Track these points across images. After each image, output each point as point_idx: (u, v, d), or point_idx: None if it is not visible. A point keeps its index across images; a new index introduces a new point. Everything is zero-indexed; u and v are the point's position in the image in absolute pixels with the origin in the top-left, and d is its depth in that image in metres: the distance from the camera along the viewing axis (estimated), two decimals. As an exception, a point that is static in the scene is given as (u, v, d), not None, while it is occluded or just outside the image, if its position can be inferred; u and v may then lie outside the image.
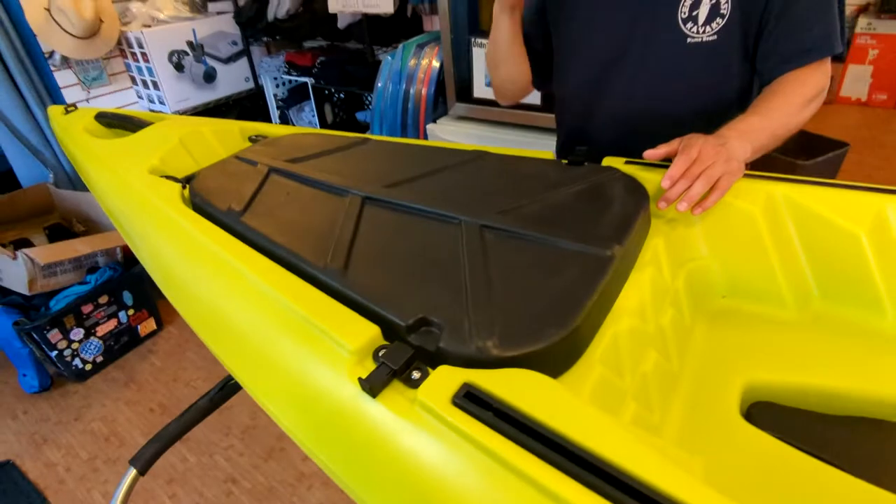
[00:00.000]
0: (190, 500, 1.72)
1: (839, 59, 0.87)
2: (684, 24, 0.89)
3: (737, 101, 0.95)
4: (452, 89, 1.96)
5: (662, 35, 0.90)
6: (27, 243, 2.43)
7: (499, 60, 1.08)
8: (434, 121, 2.08)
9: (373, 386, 0.51)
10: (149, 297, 2.42)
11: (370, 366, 0.53)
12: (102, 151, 1.05)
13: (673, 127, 0.84)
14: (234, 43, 2.97)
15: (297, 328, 0.59)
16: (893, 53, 3.86)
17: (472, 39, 1.81)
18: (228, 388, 0.93)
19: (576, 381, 0.54)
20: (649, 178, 0.83)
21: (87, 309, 2.20)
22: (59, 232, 2.55)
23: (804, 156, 2.71)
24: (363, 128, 2.67)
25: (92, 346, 2.24)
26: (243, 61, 3.04)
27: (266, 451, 1.86)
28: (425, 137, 2.07)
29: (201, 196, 0.85)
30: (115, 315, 2.31)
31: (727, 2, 0.86)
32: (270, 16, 2.74)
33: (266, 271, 0.66)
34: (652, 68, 0.93)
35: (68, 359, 2.17)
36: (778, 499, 0.53)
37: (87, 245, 2.24)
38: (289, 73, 2.93)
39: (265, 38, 2.99)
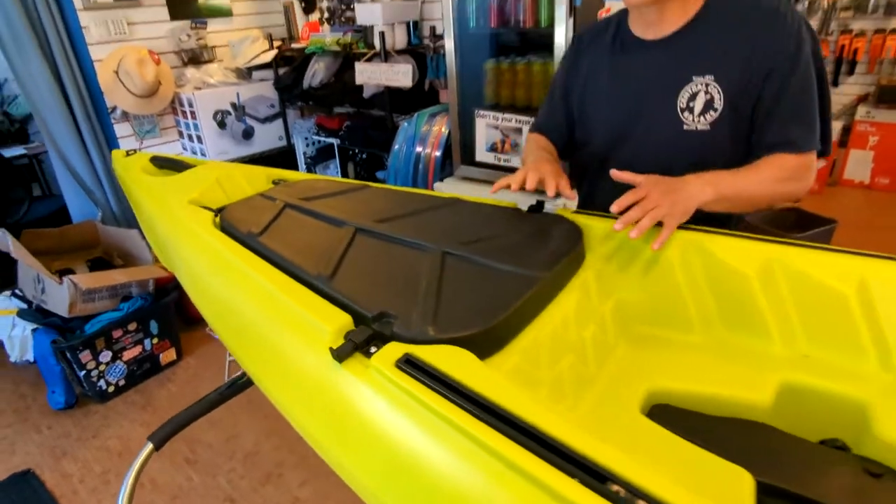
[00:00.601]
0: (191, 514, 1.84)
1: (822, 155, 1.03)
2: (682, 113, 1.03)
3: None
4: (458, 153, 2.21)
5: (663, 120, 1.04)
6: (71, 272, 2.68)
7: None
8: (441, 180, 2.32)
9: (339, 354, 0.68)
10: (173, 328, 2.63)
11: (341, 343, 0.71)
12: (154, 186, 1.29)
13: None
14: (272, 106, 3.32)
15: (291, 316, 0.78)
16: (892, 140, 4.06)
17: (476, 111, 2.07)
18: (237, 385, 1.10)
19: (497, 363, 0.71)
20: (594, 225, 1.01)
21: (117, 334, 2.41)
22: (100, 264, 2.82)
23: (797, 230, 2.87)
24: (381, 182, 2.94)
25: (117, 370, 2.43)
26: (279, 122, 3.39)
27: (265, 475, 1.99)
28: (432, 194, 2.30)
29: (229, 222, 1.06)
30: (140, 342, 2.51)
31: (720, 99, 0.99)
32: (305, 84, 3.09)
33: (272, 276, 0.85)
34: (652, 147, 1.07)
35: (94, 379, 2.36)
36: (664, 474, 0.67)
37: (123, 275, 2.48)
38: (318, 134, 3.25)
39: (300, 103, 3.34)
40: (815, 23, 4.24)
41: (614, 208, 0.91)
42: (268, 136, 3.37)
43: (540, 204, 1.09)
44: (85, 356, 2.31)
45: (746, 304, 0.88)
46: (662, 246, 0.90)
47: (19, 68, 2.59)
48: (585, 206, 1.23)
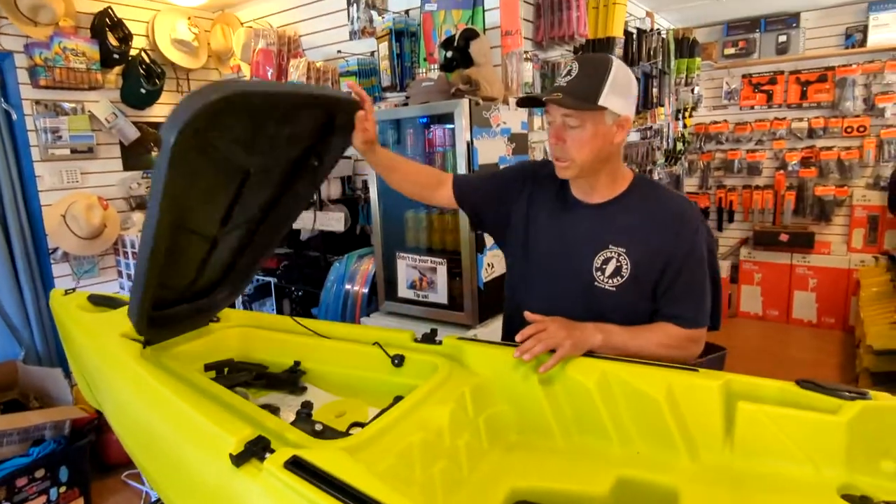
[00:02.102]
0: None
1: (712, 329, 1.25)
2: (595, 272, 1.20)
3: None
4: (383, 290, 2.43)
5: (581, 272, 1.21)
6: (-20, 416, 2.57)
7: (385, 173, 1.40)
8: (368, 315, 2.51)
9: (237, 460, 0.81)
10: (85, 475, 2.50)
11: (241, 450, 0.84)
12: (89, 322, 1.41)
13: None
14: (214, 247, 3.51)
15: (201, 430, 0.90)
16: (773, 277, 4.64)
17: (397, 253, 2.34)
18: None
19: (373, 463, 0.85)
20: (474, 350, 1.21)
21: (21, 482, 2.28)
22: (14, 407, 2.71)
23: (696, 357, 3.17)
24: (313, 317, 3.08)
25: (14, 523, 2.26)
26: (219, 262, 3.56)
27: None
28: (359, 328, 2.47)
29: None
30: (46, 491, 2.37)
31: (627, 269, 1.18)
32: (248, 228, 3.33)
33: (184, 395, 0.98)
34: (570, 291, 1.23)
35: (-13, 534, 2.18)
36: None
37: (39, 416, 2.41)
38: (256, 274, 3.43)
39: (241, 245, 3.56)
40: (694, 180, 5.02)
41: (518, 338, 1.10)
42: (207, 275, 3.51)
43: (433, 332, 1.29)
44: (-20, 508, 2.15)
45: (592, 411, 1.07)
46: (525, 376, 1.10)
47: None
48: (509, 321, 1.42)
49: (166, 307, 1.28)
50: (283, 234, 1.37)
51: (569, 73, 1.15)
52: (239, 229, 1.26)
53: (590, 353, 1.13)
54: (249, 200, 1.19)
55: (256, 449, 0.83)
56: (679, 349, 1.19)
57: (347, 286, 2.64)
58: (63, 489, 2.42)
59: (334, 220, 2.76)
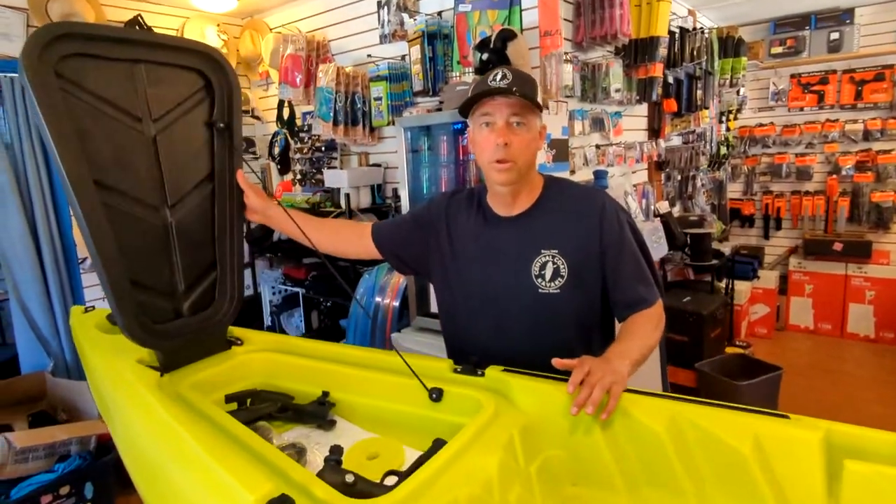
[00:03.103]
0: None
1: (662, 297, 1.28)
2: (536, 279, 1.21)
3: (585, 335, 1.26)
4: (414, 304, 2.31)
5: (522, 284, 1.22)
6: (8, 429, 2.54)
7: (296, 235, 1.38)
8: (398, 330, 2.40)
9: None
10: (110, 491, 2.44)
11: (261, 513, 0.72)
12: (104, 343, 1.32)
13: (544, 355, 1.07)
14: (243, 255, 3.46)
15: (215, 479, 0.79)
16: (826, 288, 4.37)
17: (431, 266, 2.23)
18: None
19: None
20: (518, 383, 1.07)
21: (46, 500, 2.22)
22: (42, 419, 2.68)
23: (744, 376, 2.97)
24: (342, 333, 2.99)
25: (38, 541, 2.21)
26: (247, 272, 3.51)
27: None
28: (390, 345, 2.36)
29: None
30: (71, 508, 2.31)
31: (565, 268, 1.20)
32: (276, 237, 3.26)
33: (202, 439, 0.87)
34: (516, 307, 1.23)
35: (11, 553, 2.13)
36: None
37: (64, 432, 2.37)
38: (284, 284, 3.36)
39: (268, 254, 3.50)
40: (738, 186, 4.78)
41: (570, 389, 0.98)
42: (235, 285, 3.46)
43: (474, 362, 1.16)
44: (5, 526, 2.11)
45: (662, 461, 0.92)
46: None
47: (-5, 222, 2.71)
48: (458, 342, 1.38)
49: (167, 321, 1.22)
50: (242, 224, 1.39)
51: (504, 76, 1.15)
52: (190, 212, 1.27)
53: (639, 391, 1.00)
54: (177, 174, 1.24)
55: (278, 514, 0.71)
56: (659, 327, 1.22)
57: (377, 299, 2.53)
58: (89, 506, 2.37)
59: (364, 231, 2.66)
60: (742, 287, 4.04)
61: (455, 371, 1.16)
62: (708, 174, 3.99)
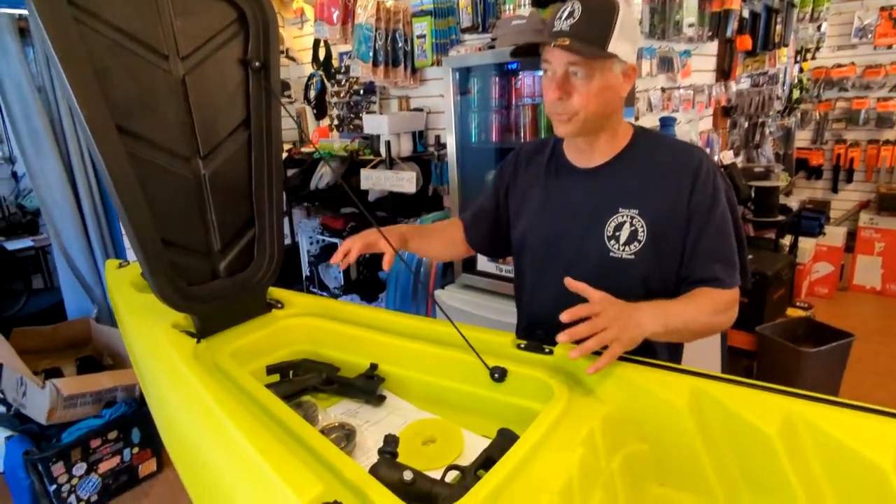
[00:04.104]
0: None
1: (743, 289, 1.09)
2: (608, 241, 1.07)
3: None
4: (459, 261, 2.18)
5: (591, 245, 1.08)
6: (58, 372, 2.59)
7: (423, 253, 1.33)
8: (442, 287, 2.28)
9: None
10: (156, 437, 2.48)
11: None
12: (138, 303, 1.24)
13: None
14: (279, 206, 3.37)
15: (258, 475, 0.69)
16: (897, 247, 4.02)
17: (478, 221, 2.07)
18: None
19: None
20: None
21: (95, 443, 2.27)
22: (90, 364, 2.72)
23: (811, 343, 2.76)
24: (382, 286, 2.89)
25: (90, 484, 2.26)
26: (284, 221, 3.43)
27: None
28: (433, 303, 2.25)
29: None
30: (119, 452, 2.36)
31: (644, 232, 1.05)
32: (313, 185, 3.15)
33: (244, 425, 0.77)
34: (581, 269, 1.07)
35: (65, 495, 2.19)
36: None
37: (110, 379, 2.38)
38: (322, 234, 3.27)
39: (306, 204, 3.40)
40: (807, 134, 4.39)
41: (565, 317, 0.88)
42: (272, 235, 3.39)
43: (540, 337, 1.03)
44: (57, 469, 2.15)
45: (769, 465, 0.78)
46: (597, 371, 0.88)
47: (33, 164, 2.66)
48: (526, 314, 1.26)
49: (202, 283, 1.12)
50: (281, 177, 1.27)
51: (570, 14, 0.99)
52: (224, 163, 1.14)
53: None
54: (209, 120, 1.11)
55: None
56: (724, 314, 1.05)
57: (419, 254, 2.40)
58: (136, 450, 2.42)
59: (405, 180, 2.51)
60: (806, 245, 3.75)
61: (519, 347, 1.03)
62: (777, 121, 3.64)
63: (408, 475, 0.74)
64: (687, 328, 1.00)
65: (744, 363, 2.97)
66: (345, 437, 0.92)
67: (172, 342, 1.04)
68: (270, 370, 1.07)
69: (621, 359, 0.94)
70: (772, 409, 0.80)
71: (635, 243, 1.06)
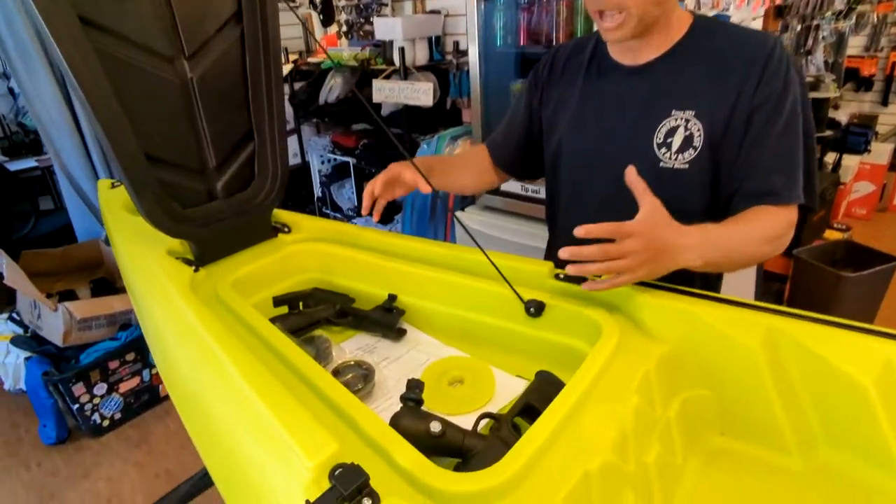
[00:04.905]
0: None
1: (809, 211, 0.91)
2: (658, 149, 0.92)
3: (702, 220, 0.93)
4: (481, 180, 2.02)
5: (637, 155, 0.92)
6: (72, 295, 2.56)
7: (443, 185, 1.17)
8: (462, 209, 2.14)
9: (318, 511, 0.49)
10: (174, 357, 2.48)
11: (325, 484, 0.52)
12: (131, 227, 1.12)
13: None
14: (287, 122, 3.18)
15: (266, 431, 0.59)
16: (945, 163, 3.75)
17: (502, 136, 1.89)
18: (209, 477, 0.92)
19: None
20: (645, 301, 0.81)
21: (113, 365, 2.26)
22: (103, 286, 2.69)
23: (851, 268, 2.61)
24: (398, 208, 2.76)
25: (112, 403, 2.28)
26: (293, 139, 3.25)
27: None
28: (451, 224, 2.12)
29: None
30: (139, 373, 2.36)
31: (700, 137, 0.89)
32: (322, 100, 2.94)
33: (248, 370, 0.67)
34: (624, 186, 0.88)
35: (88, 413, 2.21)
36: None
37: (122, 302, 2.34)
38: (333, 153, 3.09)
39: (315, 119, 3.20)
40: (860, 40, 3.98)
41: (586, 232, 0.72)
42: (281, 153, 3.23)
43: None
44: (78, 389, 2.16)
45: (860, 420, 0.67)
46: (594, 291, 0.80)
47: (26, 84, 2.49)
48: (559, 239, 1.14)
49: (197, 204, 1.00)
50: (282, 82, 1.13)
51: None
52: (214, 64, 0.98)
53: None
54: (193, 13, 0.94)
55: (349, 492, 0.50)
56: (778, 238, 0.87)
57: (437, 173, 2.24)
58: (155, 371, 2.42)
59: (421, 92, 2.30)
60: (850, 162, 3.50)
61: (558, 278, 0.90)
62: (831, 24, 3.27)
63: (435, 426, 0.64)
64: (728, 259, 0.84)
65: (775, 287, 2.85)
66: (362, 377, 0.82)
67: (167, 271, 0.93)
68: (277, 302, 0.97)
69: (682, 292, 0.81)
70: (870, 355, 0.67)
71: (690, 150, 0.91)
